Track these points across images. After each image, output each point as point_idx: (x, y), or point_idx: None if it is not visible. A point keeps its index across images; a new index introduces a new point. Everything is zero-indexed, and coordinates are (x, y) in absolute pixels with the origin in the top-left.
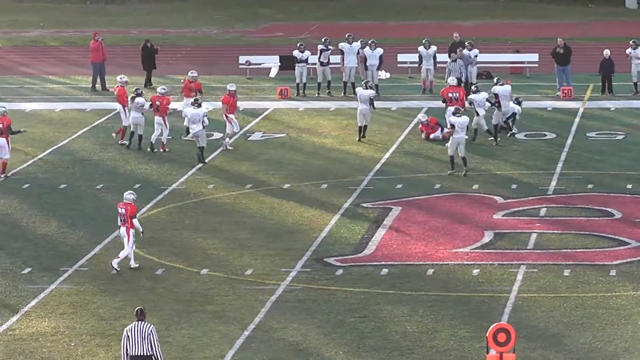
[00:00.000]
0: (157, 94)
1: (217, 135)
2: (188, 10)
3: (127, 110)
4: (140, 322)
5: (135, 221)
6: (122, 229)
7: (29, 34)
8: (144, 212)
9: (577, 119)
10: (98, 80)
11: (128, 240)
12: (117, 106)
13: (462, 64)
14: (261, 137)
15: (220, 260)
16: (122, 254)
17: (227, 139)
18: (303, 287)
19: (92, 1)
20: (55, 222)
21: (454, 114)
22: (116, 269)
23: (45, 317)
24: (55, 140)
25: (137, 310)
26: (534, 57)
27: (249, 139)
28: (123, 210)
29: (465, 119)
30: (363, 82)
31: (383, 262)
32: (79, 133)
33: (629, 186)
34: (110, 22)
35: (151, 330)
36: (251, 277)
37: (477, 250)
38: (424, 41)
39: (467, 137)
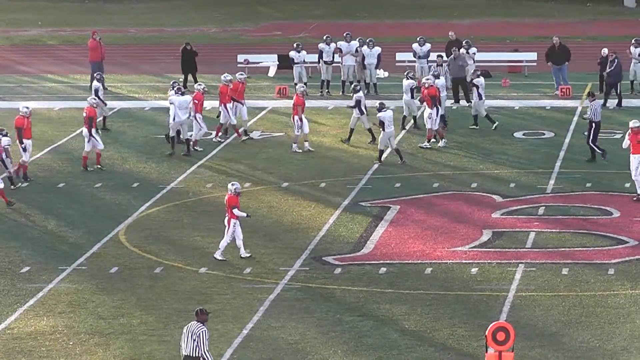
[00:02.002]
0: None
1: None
2: (186, 9)
3: (227, 109)
4: (195, 322)
5: (235, 211)
6: (226, 219)
7: (28, 33)
8: (143, 210)
9: (575, 118)
10: None
11: (227, 229)
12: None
13: (447, 70)
14: (259, 136)
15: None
16: (221, 245)
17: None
18: (301, 285)
19: (90, 0)
20: (53, 221)
21: (379, 110)
22: (220, 259)
23: (43, 315)
24: (53, 139)
25: (197, 310)
26: (533, 56)
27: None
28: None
29: (390, 113)
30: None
31: (381, 261)
32: (77, 132)
33: (627, 185)
34: (109, 20)
35: (200, 333)
36: (250, 275)
37: (475, 249)
38: (418, 39)
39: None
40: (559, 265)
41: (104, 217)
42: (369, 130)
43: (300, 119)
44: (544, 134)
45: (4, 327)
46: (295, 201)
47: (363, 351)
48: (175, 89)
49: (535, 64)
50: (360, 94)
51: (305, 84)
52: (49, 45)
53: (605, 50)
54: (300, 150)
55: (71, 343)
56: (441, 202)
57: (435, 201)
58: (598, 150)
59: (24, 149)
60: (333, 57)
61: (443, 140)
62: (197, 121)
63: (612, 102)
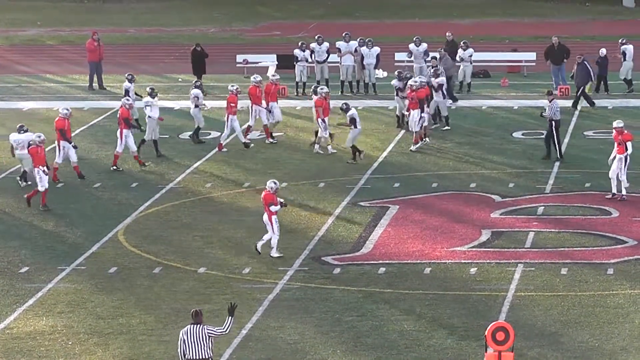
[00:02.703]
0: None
1: (214, 133)
2: (186, 9)
3: (253, 110)
4: (195, 325)
5: (272, 208)
6: (264, 216)
7: (27, 33)
8: (142, 210)
9: (574, 118)
10: (95, 79)
11: (271, 226)
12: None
13: (442, 70)
14: (258, 136)
15: (218, 259)
16: (265, 237)
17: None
18: (300, 285)
19: (89, 0)
20: (52, 221)
21: (346, 110)
22: (276, 256)
23: (43, 315)
24: (52, 138)
25: (193, 312)
26: (532, 56)
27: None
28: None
29: (356, 111)
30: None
31: (380, 261)
32: (76, 132)
33: (627, 185)
34: (108, 20)
35: (209, 334)
36: (249, 275)
37: (474, 249)
38: (414, 39)
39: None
40: (558, 265)
41: (103, 217)
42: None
43: (323, 121)
44: (543, 134)
45: (3, 327)
46: (294, 201)
47: (362, 351)
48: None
49: (534, 63)
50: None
51: (304, 83)
52: (48, 45)
53: (603, 51)
54: (322, 152)
55: (70, 343)
56: (440, 202)
57: (434, 201)
58: (554, 148)
59: (62, 150)
60: (327, 57)
61: (424, 140)
62: (229, 122)
63: (610, 102)
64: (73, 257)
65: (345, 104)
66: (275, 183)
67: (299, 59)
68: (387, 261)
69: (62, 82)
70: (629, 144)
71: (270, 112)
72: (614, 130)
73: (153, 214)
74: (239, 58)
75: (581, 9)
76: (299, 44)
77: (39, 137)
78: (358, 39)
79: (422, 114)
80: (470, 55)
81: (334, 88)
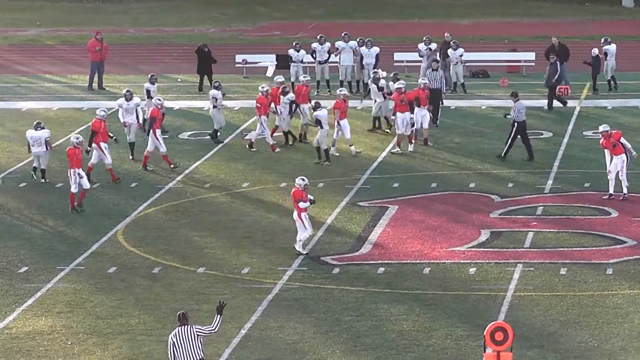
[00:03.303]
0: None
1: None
2: (185, 9)
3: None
4: (183, 326)
5: (301, 204)
6: (294, 214)
7: (26, 33)
8: (141, 210)
9: (573, 118)
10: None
11: (302, 222)
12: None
13: (441, 74)
14: (257, 136)
15: (217, 258)
16: (299, 236)
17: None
18: (300, 285)
19: (89, 0)
20: (51, 221)
21: (315, 109)
22: (302, 253)
23: (42, 315)
24: (51, 139)
25: (179, 314)
26: (531, 55)
27: (246, 137)
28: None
29: (325, 112)
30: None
31: (379, 261)
32: (75, 132)
33: (627, 184)
34: (108, 20)
35: (198, 334)
36: (248, 275)
37: (473, 249)
38: (424, 38)
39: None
40: (557, 265)
41: (102, 217)
42: (303, 129)
43: (338, 123)
44: (542, 134)
45: (2, 326)
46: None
47: (361, 351)
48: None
49: (533, 63)
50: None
51: (320, 82)
52: (47, 45)
53: (595, 50)
54: (338, 154)
55: (69, 343)
56: (439, 202)
57: (434, 201)
58: (507, 149)
59: (97, 151)
60: (329, 57)
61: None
62: (261, 124)
63: (609, 102)
64: (72, 257)
65: (317, 102)
66: (303, 179)
67: (293, 59)
68: (386, 261)
69: (61, 82)
70: (623, 140)
71: (302, 113)
72: (600, 136)
73: (152, 214)
74: (238, 58)
75: (580, 9)
76: (294, 44)
77: (77, 138)
78: (358, 39)
79: (412, 116)
80: (461, 55)
81: (333, 88)
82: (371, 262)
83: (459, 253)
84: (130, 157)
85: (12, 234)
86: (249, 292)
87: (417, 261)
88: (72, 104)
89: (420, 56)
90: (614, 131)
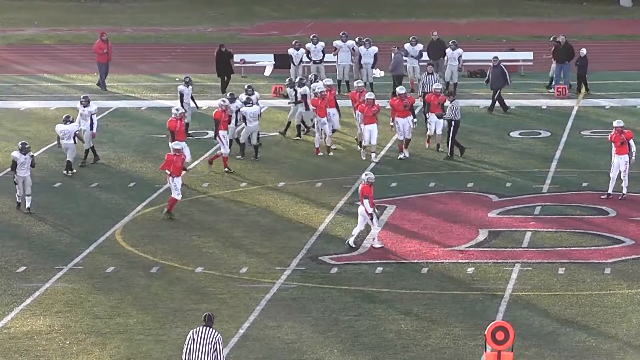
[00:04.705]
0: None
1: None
2: (183, 9)
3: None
4: (207, 327)
5: (365, 202)
6: (360, 208)
7: (24, 32)
8: (139, 210)
9: (571, 117)
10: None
11: (371, 219)
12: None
13: (437, 77)
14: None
15: (215, 258)
16: (373, 233)
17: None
18: (298, 285)
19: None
20: (50, 221)
21: (245, 103)
22: (378, 246)
23: (40, 315)
24: (49, 138)
25: (206, 315)
26: (529, 55)
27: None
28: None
29: (255, 108)
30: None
31: (378, 261)
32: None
33: (626, 184)
34: (105, 20)
35: (218, 339)
36: (246, 275)
37: (471, 249)
38: (410, 38)
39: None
40: (555, 265)
41: (100, 217)
42: (297, 126)
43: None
44: (540, 134)
45: (0, 326)
46: (292, 201)
47: (359, 351)
48: (241, 99)
49: (531, 63)
50: (306, 88)
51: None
52: (45, 45)
53: (583, 51)
54: (364, 158)
55: (68, 342)
56: (437, 202)
57: (432, 201)
58: (459, 147)
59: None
60: (323, 56)
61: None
62: (319, 125)
63: (607, 102)
64: (70, 256)
65: (248, 98)
66: (367, 174)
67: (294, 57)
68: (384, 261)
69: (59, 82)
70: (631, 142)
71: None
72: (613, 130)
73: (150, 213)
74: (236, 58)
75: (578, 9)
76: (293, 42)
77: (177, 145)
78: (356, 38)
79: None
80: (460, 56)
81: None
82: (369, 261)
83: (457, 253)
84: (80, 164)
85: (10, 233)
86: (247, 291)
87: (415, 261)
88: (70, 104)
89: (405, 56)
90: (627, 130)
